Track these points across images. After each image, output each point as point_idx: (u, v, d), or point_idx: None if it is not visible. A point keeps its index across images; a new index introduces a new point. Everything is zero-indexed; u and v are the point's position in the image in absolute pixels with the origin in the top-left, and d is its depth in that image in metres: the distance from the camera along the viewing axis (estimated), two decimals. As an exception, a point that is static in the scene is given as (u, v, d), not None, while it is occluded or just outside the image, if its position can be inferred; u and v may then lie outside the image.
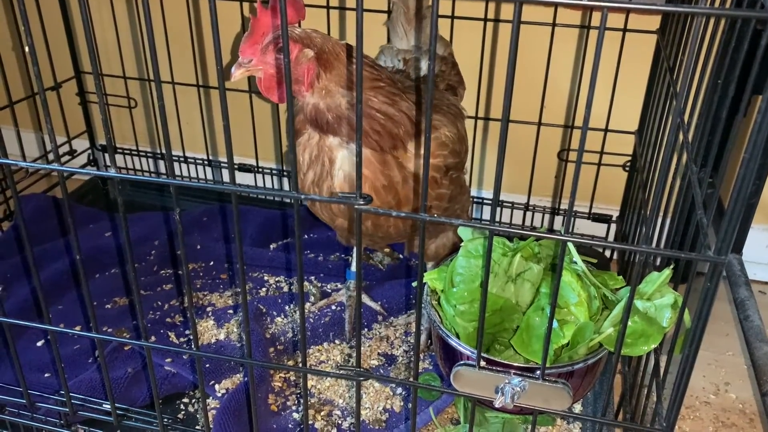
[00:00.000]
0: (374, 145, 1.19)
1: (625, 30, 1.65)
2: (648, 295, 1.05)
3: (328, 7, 1.82)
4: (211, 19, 0.71)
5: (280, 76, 1.15)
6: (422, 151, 1.24)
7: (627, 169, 1.86)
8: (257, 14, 1.12)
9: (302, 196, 0.82)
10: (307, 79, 1.16)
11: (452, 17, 1.75)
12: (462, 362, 0.89)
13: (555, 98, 1.81)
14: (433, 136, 1.25)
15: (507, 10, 1.74)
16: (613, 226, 1.95)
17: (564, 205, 1.98)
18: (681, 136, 1.04)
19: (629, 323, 1.00)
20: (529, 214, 1.99)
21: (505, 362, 1.06)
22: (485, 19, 1.74)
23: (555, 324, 1.06)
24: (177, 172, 2.20)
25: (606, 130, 1.78)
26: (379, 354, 1.50)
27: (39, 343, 1.51)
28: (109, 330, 1.55)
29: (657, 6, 0.61)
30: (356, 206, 0.78)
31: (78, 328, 1.57)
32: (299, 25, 1.21)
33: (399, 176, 1.23)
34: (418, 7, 1.54)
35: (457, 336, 1.12)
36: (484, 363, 0.92)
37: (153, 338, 1.52)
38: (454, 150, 1.31)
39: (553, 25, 1.70)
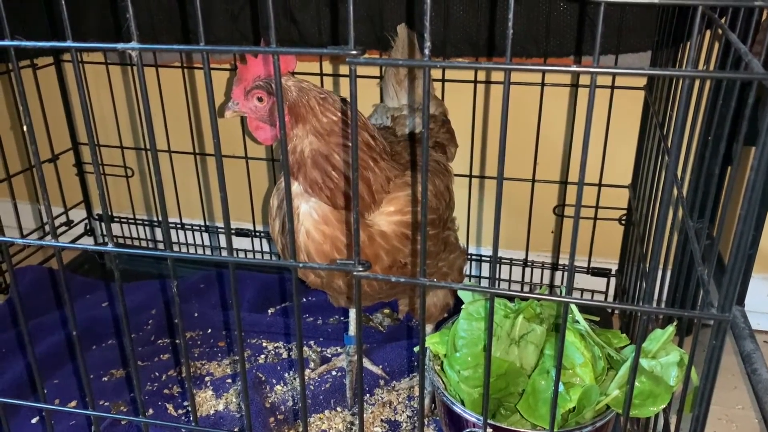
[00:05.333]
0: (326, 200, 1.19)
1: (613, 87, 1.68)
2: (653, 354, 1.04)
3: (321, 75, 1.86)
4: (207, 88, 0.72)
5: (259, 120, 1.24)
6: (390, 208, 1.24)
7: (623, 222, 1.86)
8: (247, 62, 1.19)
9: (300, 265, 0.82)
10: (277, 127, 1.22)
11: (443, 80, 1.79)
12: (468, 430, 0.87)
13: (548, 154, 1.83)
14: (404, 193, 1.25)
15: (497, 71, 1.78)
16: (613, 280, 1.94)
17: (562, 260, 1.98)
18: (675, 191, 1.04)
19: (636, 383, 0.98)
20: (528, 270, 1.98)
21: (512, 429, 1.03)
22: (475, 81, 1.77)
23: (561, 387, 1.04)
24: (174, 239, 2.20)
25: (600, 185, 1.80)
26: (382, 420, 1.47)
27: (34, 420, 1.48)
28: (106, 404, 1.52)
29: (644, 70, 0.62)
30: (355, 273, 0.77)
31: (74, 403, 1.53)
32: (293, 75, 1.25)
33: (363, 235, 1.22)
34: (409, 69, 1.58)
35: (462, 402, 1.10)
36: (491, 430, 0.90)
37: (150, 411, 1.48)
38: (429, 206, 1.31)
39: (542, 84, 1.73)
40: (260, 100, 1.20)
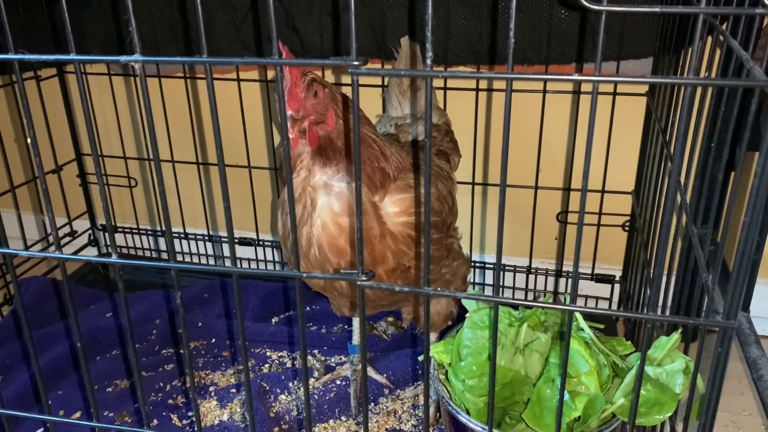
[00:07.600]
0: (366, 180, 1.19)
1: (615, 93, 1.68)
2: (658, 361, 1.03)
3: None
4: (210, 99, 0.72)
5: (318, 117, 1.16)
6: (396, 209, 1.23)
7: (626, 229, 1.86)
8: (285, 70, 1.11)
9: (304, 275, 0.81)
10: (330, 118, 1.17)
11: (445, 89, 1.79)
12: (473, 440, 0.87)
13: (550, 161, 1.83)
14: (408, 195, 1.24)
15: (499, 78, 1.78)
16: (617, 286, 1.94)
17: (566, 267, 1.98)
18: (679, 198, 1.04)
19: (642, 392, 0.98)
20: (531, 276, 1.98)
21: (518, 437, 1.03)
22: (477, 89, 1.78)
23: (566, 396, 1.04)
24: (177, 248, 2.20)
25: (603, 191, 1.79)
26: (387, 430, 1.46)
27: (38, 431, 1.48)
28: (111, 414, 1.51)
29: (646, 79, 0.62)
30: (359, 282, 0.77)
31: (78, 414, 1.53)
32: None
33: (377, 230, 1.20)
34: (411, 80, 1.58)
35: (467, 412, 1.09)
36: (496, 439, 0.90)
37: (155, 421, 1.48)
38: (431, 208, 1.30)
39: (544, 92, 1.73)
40: (316, 94, 1.14)
